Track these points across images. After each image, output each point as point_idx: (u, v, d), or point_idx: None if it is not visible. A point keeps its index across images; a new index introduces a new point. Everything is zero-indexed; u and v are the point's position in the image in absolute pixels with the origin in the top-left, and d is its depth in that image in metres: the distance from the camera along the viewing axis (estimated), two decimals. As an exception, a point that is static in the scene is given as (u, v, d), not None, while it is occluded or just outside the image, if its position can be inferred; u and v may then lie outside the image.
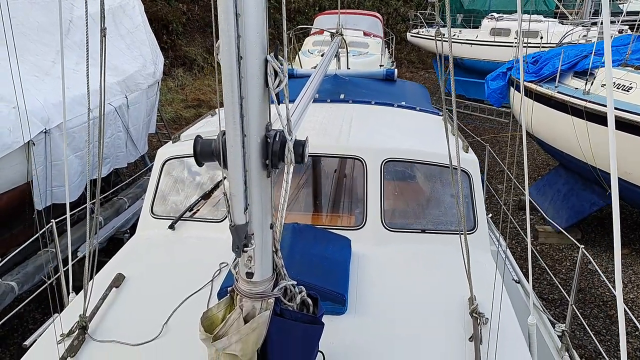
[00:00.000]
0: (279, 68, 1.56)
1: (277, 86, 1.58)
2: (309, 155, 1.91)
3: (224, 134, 1.59)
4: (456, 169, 2.37)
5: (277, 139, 1.63)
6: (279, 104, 1.58)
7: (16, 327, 5.79)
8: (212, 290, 2.63)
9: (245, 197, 1.63)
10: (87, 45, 2.28)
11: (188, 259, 3.03)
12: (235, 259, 1.79)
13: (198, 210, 3.37)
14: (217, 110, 4.83)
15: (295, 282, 1.86)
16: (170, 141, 3.84)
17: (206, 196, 3.39)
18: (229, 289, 1.84)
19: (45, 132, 5.78)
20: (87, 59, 2.41)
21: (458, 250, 2.81)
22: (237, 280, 1.78)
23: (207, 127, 4.08)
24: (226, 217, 3.23)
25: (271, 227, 1.76)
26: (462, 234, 2.40)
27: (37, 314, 5.79)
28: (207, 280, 2.70)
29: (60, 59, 3.20)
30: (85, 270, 2.43)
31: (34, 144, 5.66)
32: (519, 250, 7.51)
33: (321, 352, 2.03)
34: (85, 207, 2.97)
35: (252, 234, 1.69)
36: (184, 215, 3.33)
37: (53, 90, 6.17)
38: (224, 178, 1.69)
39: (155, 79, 9.20)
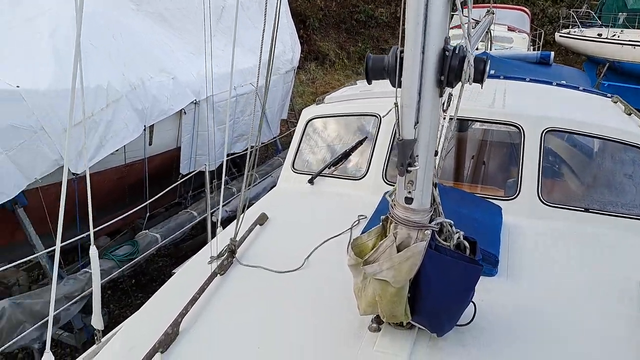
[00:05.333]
0: None
1: None
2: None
3: (397, 48, 1.57)
4: None
5: (457, 53, 1.54)
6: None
7: (155, 278, 6.39)
8: (351, 237, 2.65)
9: (417, 110, 1.58)
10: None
11: (326, 209, 3.12)
12: (393, 189, 1.76)
13: (337, 167, 3.46)
14: (357, 81, 4.88)
15: (452, 222, 1.77)
16: (314, 103, 3.94)
17: (346, 155, 3.46)
18: (382, 217, 1.81)
19: (195, 103, 6.28)
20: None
21: (628, 234, 2.53)
22: (392, 207, 1.75)
23: (349, 91, 4.15)
24: (365, 175, 3.31)
25: (436, 154, 1.71)
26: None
27: (172, 267, 6.32)
28: (346, 229, 2.75)
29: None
30: (242, 196, 2.62)
31: (185, 113, 6.19)
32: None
33: (473, 303, 1.90)
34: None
35: (417, 156, 1.63)
36: (324, 172, 3.43)
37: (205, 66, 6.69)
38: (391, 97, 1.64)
39: (292, 66, 9.56)
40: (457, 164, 3.51)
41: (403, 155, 1.60)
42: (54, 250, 4.49)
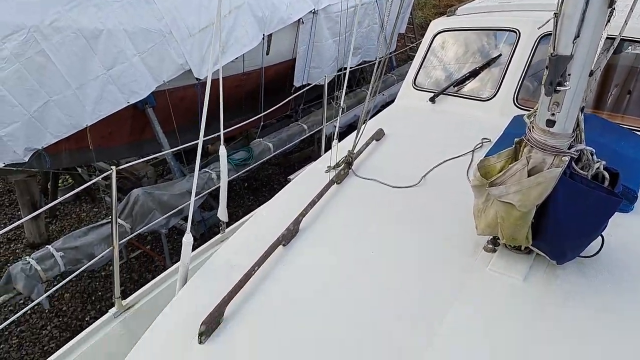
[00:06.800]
0: None
1: None
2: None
3: None
4: None
5: None
6: None
7: (264, 183, 6.75)
8: (473, 160, 2.55)
9: (580, 21, 1.40)
10: None
11: (447, 129, 3.00)
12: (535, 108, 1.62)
13: (463, 86, 3.24)
14: None
15: (594, 150, 1.65)
16: (445, 15, 3.66)
17: (475, 73, 3.21)
18: (516, 140, 1.73)
19: (313, 13, 6.11)
20: None
21: None
22: (530, 130, 1.65)
23: (486, 2, 3.80)
24: (494, 96, 3.06)
25: (590, 75, 1.53)
26: None
27: (282, 178, 6.61)
28: (467, 150, 2.64)
29: None
30: (365, 106, 2.62)
31: (302, 23, 6.06)
32: None
33: (601, 236, 1.80)
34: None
35: (569, 75, 1.48)
36: (447, 90, 3.24)
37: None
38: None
39: (417, -26, 8.79)
40: (599, 90, 3.13)
41: (554, 72, 1.45)
42: (178, 149, 4.87)
